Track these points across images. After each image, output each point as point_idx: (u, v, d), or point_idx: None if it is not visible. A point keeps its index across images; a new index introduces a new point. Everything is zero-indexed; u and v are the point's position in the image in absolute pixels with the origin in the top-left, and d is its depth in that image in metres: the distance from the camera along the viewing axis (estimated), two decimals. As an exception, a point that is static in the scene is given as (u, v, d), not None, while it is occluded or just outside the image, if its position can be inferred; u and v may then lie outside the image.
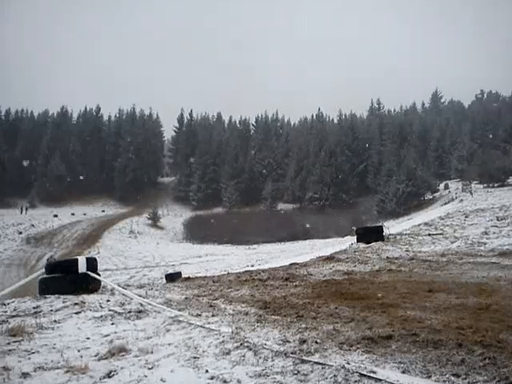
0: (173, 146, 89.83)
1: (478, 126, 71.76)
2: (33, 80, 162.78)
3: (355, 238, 14.34)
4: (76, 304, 5.47)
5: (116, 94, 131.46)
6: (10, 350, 3.78)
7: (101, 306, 5.47)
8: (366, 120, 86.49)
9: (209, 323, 4.60)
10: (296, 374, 3.16)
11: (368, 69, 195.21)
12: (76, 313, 5.16)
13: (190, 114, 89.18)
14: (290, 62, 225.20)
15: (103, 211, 69.37)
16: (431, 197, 58.71)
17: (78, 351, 3.82)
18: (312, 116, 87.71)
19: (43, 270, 6.73)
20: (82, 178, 73.93)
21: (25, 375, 3.24)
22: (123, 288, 6.73)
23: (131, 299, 5.86)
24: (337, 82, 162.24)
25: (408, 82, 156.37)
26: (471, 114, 79.24)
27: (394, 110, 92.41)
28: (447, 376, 3.06)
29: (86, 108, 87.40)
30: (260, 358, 3.49)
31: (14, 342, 4.01)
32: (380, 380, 2.92)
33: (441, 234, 14.85)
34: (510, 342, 3.61)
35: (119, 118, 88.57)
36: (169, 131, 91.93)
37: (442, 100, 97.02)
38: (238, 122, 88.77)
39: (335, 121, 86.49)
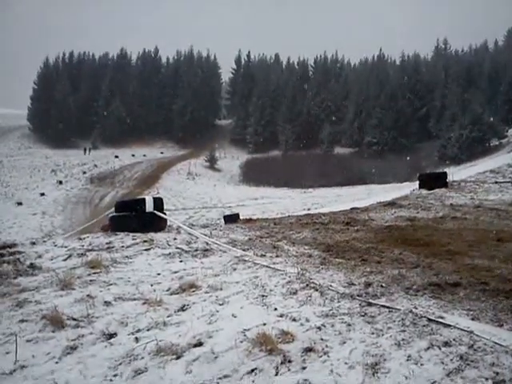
0: (230, 88, 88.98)
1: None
2: (94, 23, 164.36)
3: (416, 184, 13.98)
4: (145, 241, 5.71)
5: (173, 36, 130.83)
6: (91, 281, 4.07)
7: (168, 244, 5.68)
8: (431, 61, 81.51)
9: (274, 263, 4.70)
10: (363, 315, 3.20)
11: (434, 7, 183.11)
12: (146, 249, 5.39)
13: (248, 56, 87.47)
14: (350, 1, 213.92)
15: (162, 153, 70.86)
16: (497, 143, 55.77)
17: (151, 285, 4.04)
18: (373, 57, 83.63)
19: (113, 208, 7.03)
20: (141, 119, 75.25)
21: (107, 303, 3.51)
22: (189, 227, 6.94)
23: (197, 238, 6.04)
24: (400, 21, 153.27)
25: (480, 18, 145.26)
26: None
27: (463, 50, 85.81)
28: (521, 326, 3.00)
29: (144, 50, 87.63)
30: (326, 298, 3.55)
31: (94, 273, 4.31)
32: (449, 326, 2.90)
33: (509, 182, 14.13)
34: None
35: (177, 60, 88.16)
36: (226, 73, 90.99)
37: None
38: (296, 63, 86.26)
39: (397, 62, 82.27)
